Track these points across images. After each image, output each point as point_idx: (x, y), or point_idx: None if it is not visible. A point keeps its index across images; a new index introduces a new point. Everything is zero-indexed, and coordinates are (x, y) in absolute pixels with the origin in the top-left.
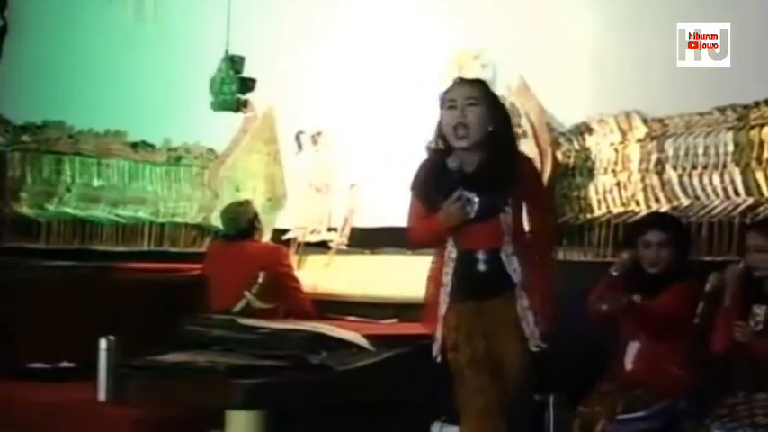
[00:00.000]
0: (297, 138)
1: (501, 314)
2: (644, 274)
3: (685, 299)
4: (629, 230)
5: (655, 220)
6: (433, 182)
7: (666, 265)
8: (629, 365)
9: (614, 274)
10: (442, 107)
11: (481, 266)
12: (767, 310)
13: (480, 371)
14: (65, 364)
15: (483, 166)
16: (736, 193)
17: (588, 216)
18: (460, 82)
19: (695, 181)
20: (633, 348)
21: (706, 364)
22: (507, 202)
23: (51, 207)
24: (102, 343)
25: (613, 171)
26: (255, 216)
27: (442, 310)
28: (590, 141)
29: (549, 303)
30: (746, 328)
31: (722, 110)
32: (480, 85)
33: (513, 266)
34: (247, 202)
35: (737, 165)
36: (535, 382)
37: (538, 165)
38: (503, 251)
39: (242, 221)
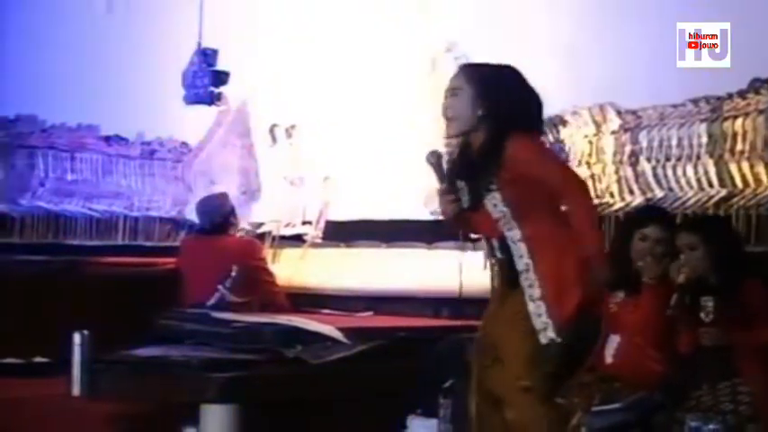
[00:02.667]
0: (271, 131)
1: (510, 304)
2: (629, 270)
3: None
4: (626, 220)
5: (655, 214)
6: (438, 175)
7: (659, 260)
8: (608, 358)
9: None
10: None
11: (498, 254)
12: (715, 301)
13: (476, 359)
14: (39, 360)
15: (469, 152)
16: (710, 185)
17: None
18: (458, 69)
19: (669, 172)
20: (614, 342)
21: (679, 358)
22: (490, 187)
23: (25, 201)
24: (76, 338)
25: (588, 163)
26: (232, 210)
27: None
28: (564, 133)
29: (565, 297)
30: (713, 332)
31: (695, 101)
32: (466, 70)
33: (520, 253)
34: (224, 196)
35: (711, 156)
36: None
37: None
38: (508, 237)
39: (217, 216)
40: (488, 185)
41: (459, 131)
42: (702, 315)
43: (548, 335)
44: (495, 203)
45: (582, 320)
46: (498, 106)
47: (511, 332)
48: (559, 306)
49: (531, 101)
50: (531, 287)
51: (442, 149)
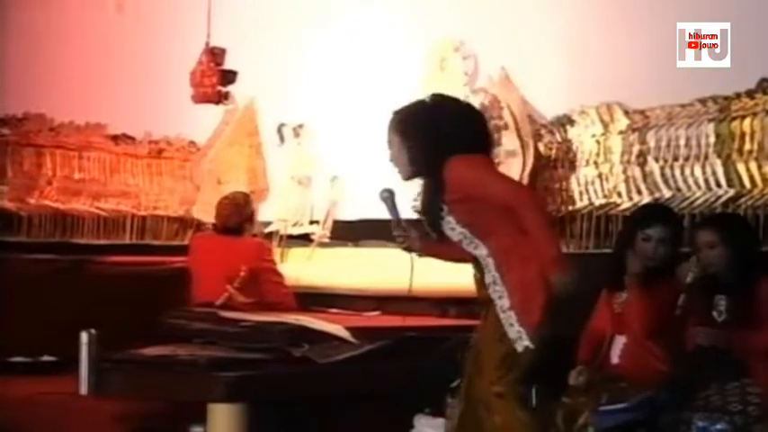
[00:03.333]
0: (279, 130)
1: (489, 314)
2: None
3: (677, 295)
4: (629, 220)
5: (658, 214)
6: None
7: (662, 260)
8: (614, 359)
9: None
10: None
11: (477, 274)
12: (728, 300)
13: (466, 367)
14: (46, 358)
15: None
16: (718, 185)
17: (570, 208)
18: None
19: (677, 172)
20: (619, 343)
21: (686, 357)
22: (441, 214)
23: (32, 200)
24: (84, 336)
25: (595, 163)
26: (251, 215)
27: None
28: (572, 133)
29: (532, 305)
30: (707, 331)
31: (703, 101)
32: (393, 118)
33: (489, 267)
34: (247, 197)
35: (719, 156)
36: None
37: (519, 157)
38: (478, 256)
39: (235, 218)
40: (440, 213)
41: (407, 176)
42: (715, 314)
43: (522, 343)
44: (452, 227)
45: (551, 325)
46: (422, 141)
47: (489, 338)
48: (528, 313)
49: (462, 124)
50: (501, 298)
51: None
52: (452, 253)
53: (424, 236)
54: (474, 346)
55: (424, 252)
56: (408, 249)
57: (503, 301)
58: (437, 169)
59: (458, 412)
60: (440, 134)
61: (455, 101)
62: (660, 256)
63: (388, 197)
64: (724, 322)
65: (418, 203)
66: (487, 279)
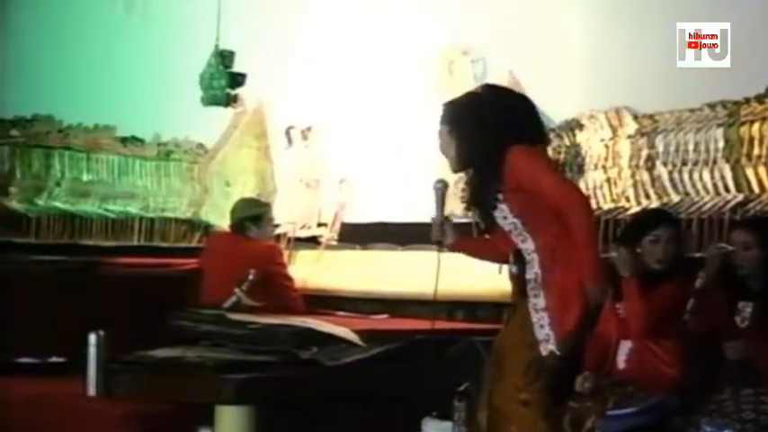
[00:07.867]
0: (287, 133)
1: (518, 314)
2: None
3: (680, 296)
4: (633, 225)
5: (663, 215)
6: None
7: (670, 261)
8: (621, 364)
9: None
10: None
11: (513, 269)
12: (754, 307)
13: (488, 371)
14: (54, 359)
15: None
16: (727, 190)
17: None
18: None
19: (685, 177)
20: (625, 347)
21: (695, 361)
22: (495, 204)
23: (41, 202)
24: (92, 338)
25: (604, 167)
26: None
27: None
28: (580, 137)
29: (568, 312)
30: (736, 346)
31: (712, 106)
32: (445, 110)
33: (532, 263)
34: (267, 206)
35: (728, 161)
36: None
37: None
38: (523, 250)
39: (235, 217)
40: (494, 201)
41: (457, 168)
42: (738, 320)
43: (548, 347)
44: (504, 216)
45: (579, 335)
46: (476, 132)
47: (514, 342)
48: (562, 319)
49: (516, 113)
50: (537, 297)
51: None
52: (486, 252)
53: (460, 232)
54: (497, 351)
55: (457, 248)
56: (440, 244)
57: (538, 300)
58: (494, 158)
59: (483, 418)
60: (495, 124)
61: (508, 91)
62: (669, 257)
63: (441, 188)
64: (747, 329)
65: (466, 195)
66: (528, 275)
